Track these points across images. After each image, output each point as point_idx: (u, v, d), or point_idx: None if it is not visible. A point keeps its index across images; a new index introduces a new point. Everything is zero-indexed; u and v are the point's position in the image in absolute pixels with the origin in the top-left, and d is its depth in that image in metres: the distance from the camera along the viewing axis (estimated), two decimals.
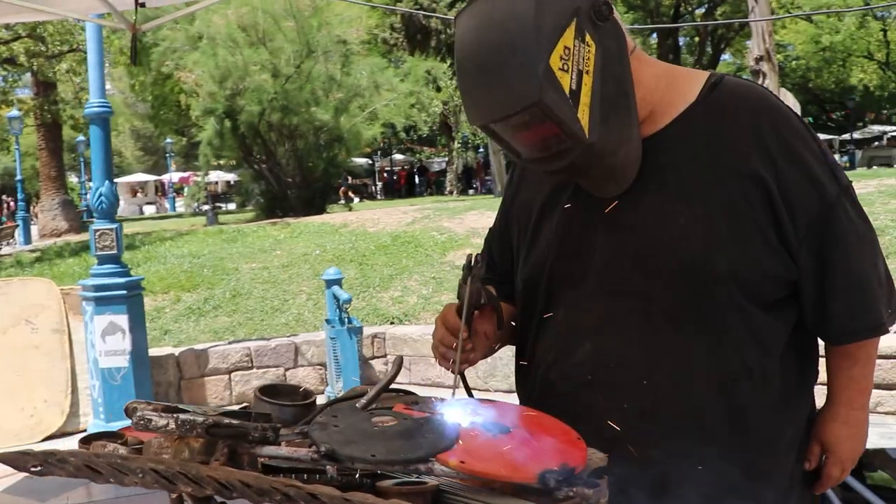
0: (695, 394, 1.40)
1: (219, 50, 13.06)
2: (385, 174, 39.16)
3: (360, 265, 9.14)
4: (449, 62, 20.62)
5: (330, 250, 10.02)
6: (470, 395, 1.69)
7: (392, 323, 7.67)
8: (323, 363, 6.80)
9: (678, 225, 1.38)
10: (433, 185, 38.28)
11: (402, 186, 37.47)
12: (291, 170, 15.22)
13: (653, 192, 1.41)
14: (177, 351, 6.58)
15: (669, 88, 1.45)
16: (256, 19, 12.47)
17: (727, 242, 1.37)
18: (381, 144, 24.55)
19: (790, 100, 17.84)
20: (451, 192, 31.87)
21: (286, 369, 6.73)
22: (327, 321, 6.33)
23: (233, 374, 6.58)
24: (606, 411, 1.41)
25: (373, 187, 36.01)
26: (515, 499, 1.16)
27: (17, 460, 1.39)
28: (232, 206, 30.23)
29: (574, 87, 1.28)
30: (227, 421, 1.22)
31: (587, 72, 1.29)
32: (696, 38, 33.85)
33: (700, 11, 32.22)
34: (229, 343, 6.82)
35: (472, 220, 11.94)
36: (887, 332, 1.51)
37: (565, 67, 1.26)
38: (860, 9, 28.69)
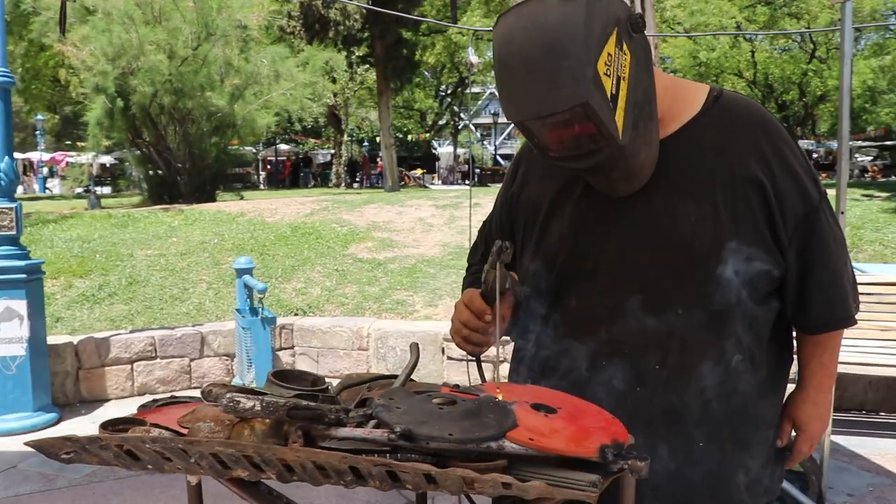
0: (699, 376, 1.52)
1: (114, 26, 12.45)
2: (269, 164, 38.38)
3: (260, 255, 8.96)
4: (346, 53, 20.55)
5: (228, 239, 9.77)
6: (482, 378, 1.74)
7: (296, 314, 7.56)
8: (229, 353, 6.64)
9: (689, 222, 1.50)
10: (319, 177, 37.89)
11: (286, 177, 36.89)
12: (182, 155, 14.71)
13: (664, 191, 1.53)
14: (75, 339, 6.26)
15: (676, 98, 1.58)
16: None
17: (732, 239, 1.49)
18: (267, 134, 24.10)
19: None
20: (337, 185, 31.62)
21: (191, 359, 6.53)
22: (237, 311, 6.19)
23: (135, 364, 6.32)
24: (621, 395, 1.52)
25: (256, 177, 35.23)
26: (579, 471, 1.22)
27: (54, 446, 1.32)
28: (107, 190, 28.98)
29: (614, 91, 1.37)
30: (305, 403, 1.20)
31: (624, 78, 1.39)
32: None
33: None
34: (131, 332, 6.55)
35: (371, 213, 11.93)
36: (855, 323, 1.69)
37: (608, 73, 1.35)
38: (733, 33, 30.39)
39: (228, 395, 1.15)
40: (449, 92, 43.52)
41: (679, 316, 1.51)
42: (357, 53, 22.38)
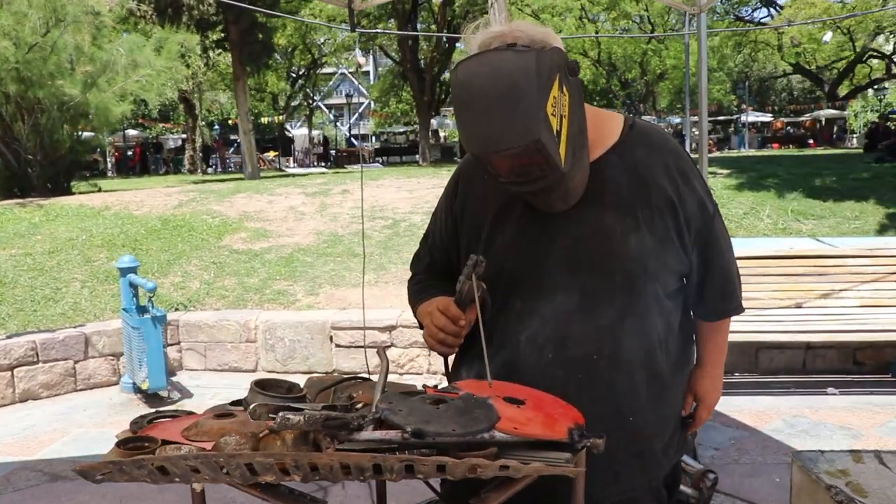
0: (629, 363, 1.85)
1: None
2: (117, 151, 36.70)
3: (133, 250, 8.77)
4: (200, 37, 19.96)
5: (97, 235, 9.49)
6: (448, 377, 1.99)
7: (177, 309, 7.51)
8: (115, 353, 6.56)
9: (617, 233, 1.82)
10: (171, 162, 36.63)
11: (136, 164, 35.45)
12: (32, 146, 13.97)
13: (595, 207, 1.83)
14: None
15: (598, 126, 1.88)
16: None
17: (650, 247, 1.82)
18: (123, 122, 23.17)
19: None
20: (191, 171, 30.74)
21: (76, 361, 6.41)
22: (124, 310, 6.13)
23: (16, 370, 6.14)
24: (565, 382, 1.81)
25: (104, 164, 33.66)
26: (552, 451, 1.52)
27: (95, 468, 1.47)
28: None
29: (558, 128, 1.66)
30: (335, 414, 1.41)
31: (565, 116, 1.68)
32: (433, 27, 35.28)
33: (438, 0, 33.38)
34: (9, 337, 6.35)
35: (241, 203, 11.84)
36: (743, 310, 2.09)
37: (554, 113, 1.64)
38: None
39: (281, 413, 1.34)
40: (301, 73, 43.01)
41: (611, 313, 1.81)
42: (212, 38, 21.84)
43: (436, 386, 1.79)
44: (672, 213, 1.84)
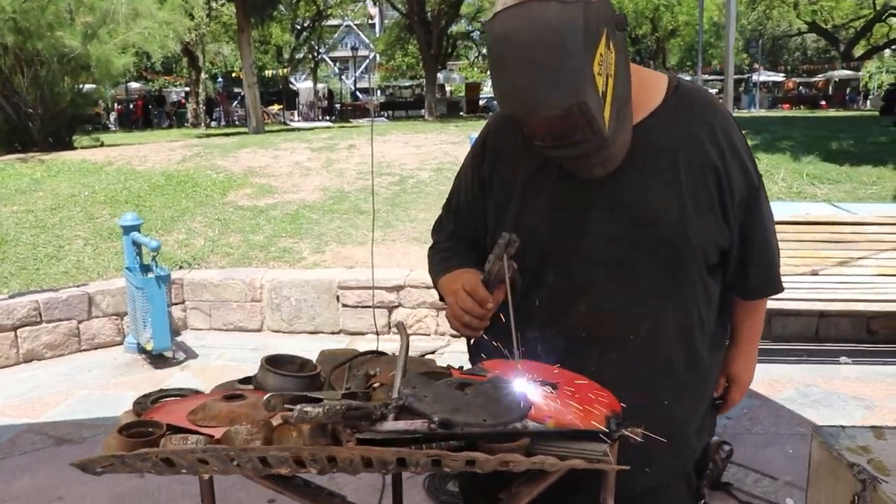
0: (667, 342, 1.74)
1: None
2: (119, 104, 36.38)
3: (136, 207, 8.65)
4: None
5: (100, 191, 9.36)
6: (471, 354, 1.92)
7: (181, 267, 7.42)
8: (119, 313, 6.49)
9: (660, 204, 1.67)
10: (174, 116, 36.32)
11: (139, 117, 35.15)
12: (33, 99, 13.75)
13: (636, 174, 1.68)
14: None
15: (641, 86, 1.70)
16: None
17: (693, 218, 1.69)
18: (125, 75, 22.90)
19: None
20: (195, 125, 30.49)
21: (79, 321, 6.33)
22: (128, 269, 6.04)
23: (20, 331, 6.06)
24: (599, 363, 1.69)
25: (107, 117, 33.41)
26: (588, 442, 1.41)
27: (95, 462, 1.37)
28: None
29: (604, 88, 1.51)
30: (356, 404, 1.31)
31: (610, 75, 1.53)
32: None
33: None
34: (11, 297, 6.27)
35: (246, 158, 11.69)
36: (783, 290, 1.95)
37: (600, 72, 1.48)
38: None
39: (298, 406, 1.24)
40: (306, 25, 42.44)
41: (650, 288, 1.70)
42: None
43: (461, 367, 1.67)
44: (716, 181, 1.70)
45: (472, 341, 1.89)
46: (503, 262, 1.60)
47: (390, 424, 1.35)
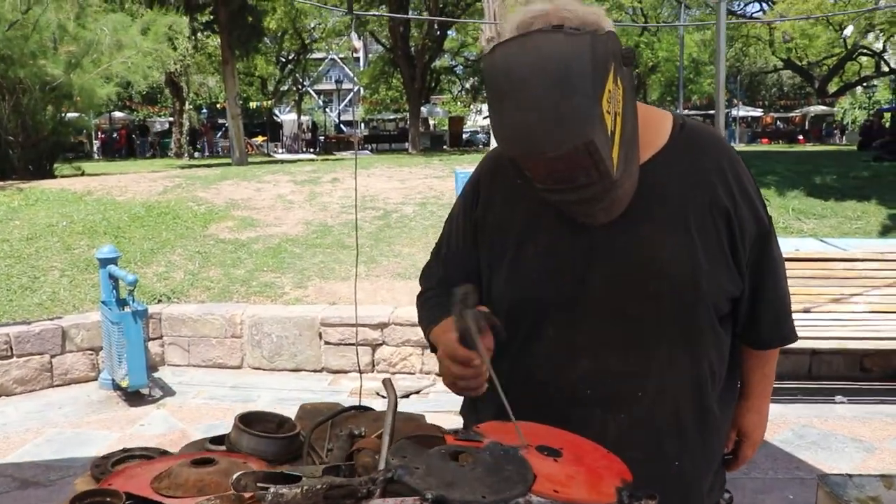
0: (676, 400, 1.59)
1: None
2: (103, 133, 36.21)
3: (115, 238, 8.49)
4: (189, 19, 19.54)
5: (78, 221, 9.18)
6: (464, 412, 1.75)
7: (160, 301, 7.25)
8: (94, 347, 6.30)
9: (667, 252, 1.53)
10: (157, 146, 36.18)
11: (122, 146, 34.99)
12: (14, 127, 13.62)
13: (642, 220, 1.54)
14: None
15: (645, 125, 1.56)
16: None
17: (703, 265, 1.54)
18: (108, 104, 22.84)
19: None
20: (178, 155, 30.32)
21: (52, 356, 6.13)
22: (103, 303, 5.86)
23: None
24: (603, 422, 1.56)
25: (90, 146, 33.19)
26: None
27: None
28: None
29: (612, 128, 1.37)
30: (339, 481, 1.17)
31: (619, 113, 1.39)
32: (425, 13, 34.81)
33: None
34: None
35: (228, 190, 11.55)
36: (797, 339, 1.81)
37: (609, 110, 1.35)
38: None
39: (273, 489, 1.09)
40: (290, 58, 42.56)
41: (658, 342, 1.56)
42: (200, 20, 21.44)
43: (456, 432, 1.52)
44: (727, 224, 1.57)
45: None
46: (468, 320, 1.46)
47: (378, 502, 1.20)
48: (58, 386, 6.13)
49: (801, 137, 37.57)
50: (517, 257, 1.62)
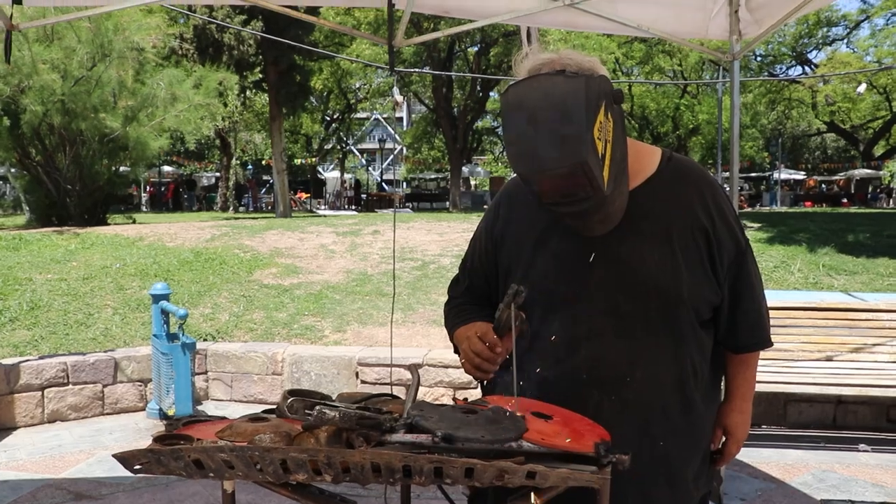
0: (662, 388, 1.88)
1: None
2: (151, 186, 37.34)
3: (165, 280, 8.86)
4: (239, 77, 20.34)
5: (131, 264, 9.64)
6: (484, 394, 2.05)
7: (205, 340, 7.58)
8: (143, 379, 6.62)
9: (654, 261, 1.85)
10: (203, 200, 37.14)
11: (169, 199, 36.00)
12: (72, 176, 14.31)
13: (633, 235, 1.87)
14: None
15: (637, 157, 1.93)
16: (48, 14, 11.58)
17: (685, 274, 1.86)
18: (160, 157, 23.70)
19: None
20: (223, 209, 31.14)
21: (104, 385, 6.47)
22: (155, 336, 6.20)
23: (46, 391, 6.22)
24: (598, 403, 1.85)
25: (139, 199, 34.23)
26: (579, 464, 1.53)
27: (134, 456, 1.50)
28: None
29: (603, 151, 1.70)
30: (368, 414, 1.44)
31: (608, 141, 1.72)
32: (468, 74, 35.66)
33: (473, 50, 33.94)
34: (41, 358, 6.44)
35: (272, 239, 11.96)
36: (772, 345, 2.09)
37: (599, 137, 1.68)
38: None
39: (318, 407, 1.37)
40: (335, 117, 43.62)
41: (646, 337, 1.85)
42: (250, 78, 22.33)
43: (466, 399, 1.81)
44: (706, 242, 1.88)
45: (485, 383, 2.04)
46: (511, 310, 1.76)
47: (398, 436, 1.47)
48: (108, 414, 6.46)
49: (845, 200, 37.29)
50: (532, 261, 1.95)
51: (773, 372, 5.69)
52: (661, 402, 1.86)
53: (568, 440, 1.55)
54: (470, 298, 2.15)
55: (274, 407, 1.97)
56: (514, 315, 1.76)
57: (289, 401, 1.51)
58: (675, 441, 1.88)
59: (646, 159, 1.96)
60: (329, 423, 1.40)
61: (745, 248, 1.96)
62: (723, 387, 2.12)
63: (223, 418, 1.96)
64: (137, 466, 1.54)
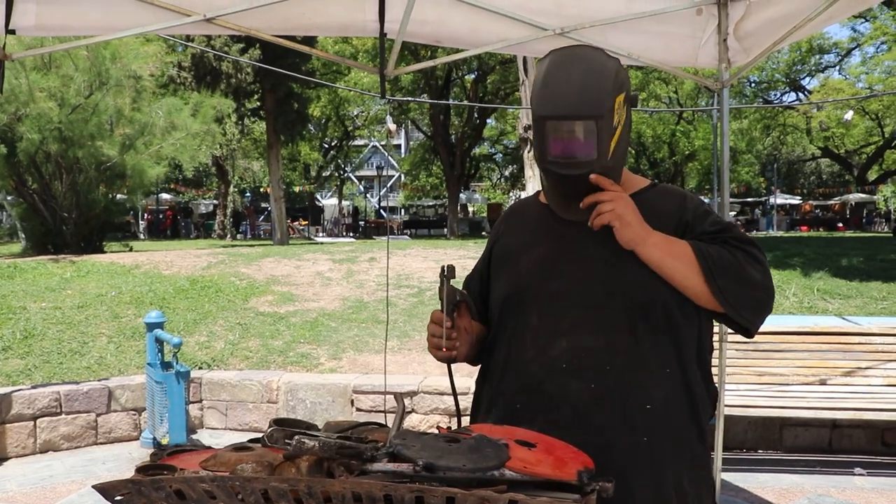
0: (640, 376, 1.87)
1: (5, 72, 12.02)
2: (149, 214, 37.42)
3: (160, 308, 8.87)
4: (236, 104, 20.47)
5: (126, 292, 9.64)
6: (453, 384, 2.14)
7: (201, 368, 7.57)
8: (137, 408, 6.60)
9: (629, 261, 1.89)
10: (201, 227, 37.20)
11: (167, 227, 36.06)
12: (68, 204, 14.35)
13: (611, 235, 1.89)
14: None
15: (626, 180, 2.02)
16: (46, 43, 11.67)
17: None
18: (157, 184, 23.79)
19: None
20: (221, 236, 31.19)
21: (98, 414, 6.45)
22: (149, 365, 6.20)
23: (39, 421, 6.20)
24: (578, 392, 1.86)
25: (136, 226, 34.27)
26: (561, 492, 1.52)
27: (115, 487, 1.50)
28: None
29: (615, 124, 1.82)
30: (349, 443, 1.45)
31: (621, 124, 1.85)
32: (465, 101, 35.91)
33: (471, 77, 34.16)
34: (34, 387, 6.42)
35: (269, 267, 11.97)
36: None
37: (618, 111, 1.82)
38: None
39: (296, 437, 1.38)
40: (333, 144, 43.81)
41: (623, 328, 1.87)
42: (247, 106, 22.46)
43: (449, 427, 1.82)
44: (683, 231, 1.93)
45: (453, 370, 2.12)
46: (445, 286, 1.94)
47: (380, 465, 1.47)
48: (102, 443, 6.43)
49: (840, 225, 37.44)
50: (516, 262, 2.03)
51: (768, 396, 5.69)
52: (643, 395, 1.86)
53: (550, 468, 1.55)
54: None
55: (260, 436, 1.98)
56: (445, 291, 1.92)
57: (268, 430, 1.51)
58: (658, 438, 1.86)
59: (633, 182, 2.03)
60: (308, 453, 1.41)
61: (729, 224, 1.98)
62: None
63: (208, 448, 1.96)
64: (118, 498, 1.53)
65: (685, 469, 1.92)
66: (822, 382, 5.82)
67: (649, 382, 1.87)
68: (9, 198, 16.18)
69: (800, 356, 5.97)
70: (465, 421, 2.12)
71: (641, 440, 1.85)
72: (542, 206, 2.07)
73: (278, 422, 1.92)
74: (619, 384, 1.85)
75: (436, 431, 1.83)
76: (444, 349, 1.97)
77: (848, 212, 41.31)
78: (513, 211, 2.24)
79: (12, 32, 3.92)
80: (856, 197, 40.78)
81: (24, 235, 16.41)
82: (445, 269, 1.96)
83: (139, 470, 1.66)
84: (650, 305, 1.88)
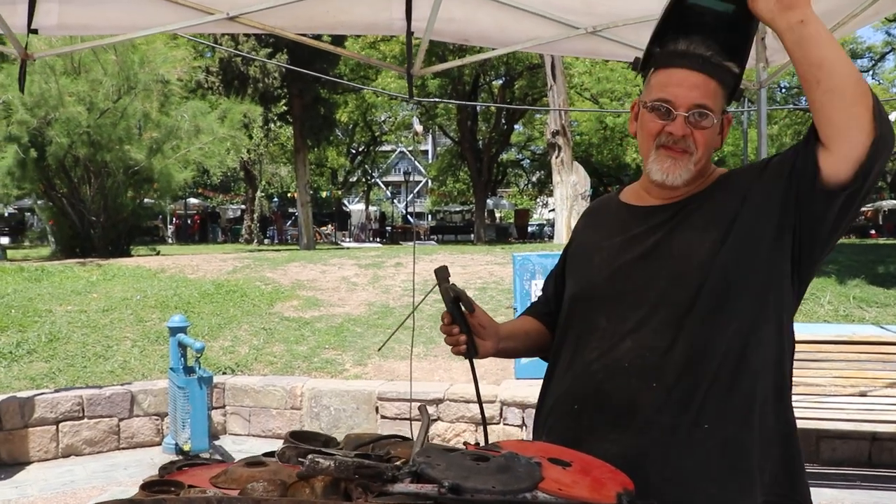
0: (703, 368, 1.76)
1: (34, 76, 12.15)
2: (178, 218, 37.70)
3: (185, 312, 8.83)
4: (264, 109, 20.50)
5: (151, 296, 9.61)
6: (475, 378, 2.08)
7: (224, 373, 7.50)
8: (160, 413, 6.54)
9: (703, 250, 1.79)
10: (229, 232, 37.41)
11: (195, 232, 36.29)
12: (96, 208, 14.42)
13: (684, 228, 1.84)
14: None
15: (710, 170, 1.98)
16: (71, 42, 11.73)
17: (736, 254, 1.78)
18: (185, 189, 23.92)
19: (581, 172, 19.23)
20: (248, 241, 31.30)
21: (120, 419, 6.40)
22: (171, 370, 6.13)
23: (61, 425, 6.16)
24: (637, 390, 1.77)
25: (165, 231, 34.52)
26: None
27: None
28: (5, 241, 27.87)
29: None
30: (367, 462, 1.33)
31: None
32: (492, 109, 35.81)
33: (498, 83, 34.05)
34: (56, 391, 6.39)
35: (294, 271, 11.92)
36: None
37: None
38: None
39: (310, 456, 1.26)
40: (360, 150, 43.86)
41: (690, 322, 1.77)
42: (275, 111, 22.50)
43: (477, 443, 1.69)
44: (750, 200, 1.80)
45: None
46: (443, 287, 1.95)
47: (401, 486, 1.35)
48: (124, 448, 6.38)
49: (873, 232, 36.86)
50: (589, 261, 2.00)
51: (804, 407, 5.50)
52: (706, 382, 1.75)
53: (587, 490, 1.42)
54: (536, 305, 2.27)
55: (275, 450, 1.87)
56: (441, 289, 1.93)
57: (280, 448, 1.40)
58: (718, 419, 1.74)
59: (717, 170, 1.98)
60: (323, 473, 1.29)
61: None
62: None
63: (221, 461, 1.85)
64: None
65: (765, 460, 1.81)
66: (862, 394, 5.63)
67: (711, 369, 1.77)
68: (38, 201, 16.28)
69: (837, 366, 5.77)
70: (491, 430, 2.02)
71: (702, 428, 1.75)
72: (619, 204, 2.04)
73: (294, 435, 1.81)
74: (677, 377, 1.76)
75: (462, 446, 1.71)
76: (461, 346, 1.98)
77: (881, 218, 40.66)
78: (591, 210, 2.22)
79: (35, 32, 3.88)
80: (889, 204, 40.14)
81: (52, 239, 16.52)
82: (439, 268, 1.98)
83: (144, 486, 1.56)
84: (721, 294, 1.78)
